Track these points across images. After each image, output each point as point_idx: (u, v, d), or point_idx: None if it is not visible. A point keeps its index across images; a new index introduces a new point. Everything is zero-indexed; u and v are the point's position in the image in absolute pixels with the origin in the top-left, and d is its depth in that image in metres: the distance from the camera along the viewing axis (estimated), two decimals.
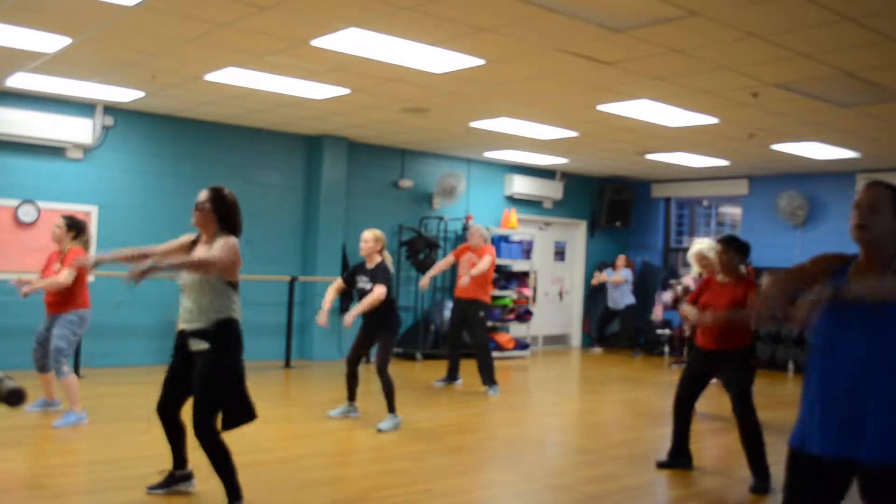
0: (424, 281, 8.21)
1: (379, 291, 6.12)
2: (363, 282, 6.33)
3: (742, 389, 5.19)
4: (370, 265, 6.34)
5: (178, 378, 4.15)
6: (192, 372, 4.04)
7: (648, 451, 6.01)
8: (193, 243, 4.24)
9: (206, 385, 3.97)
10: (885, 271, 2.51)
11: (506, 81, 6.84)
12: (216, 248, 4.01)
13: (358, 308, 6.15)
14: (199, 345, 4.03)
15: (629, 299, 12.59)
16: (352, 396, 6.65)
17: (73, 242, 6.01)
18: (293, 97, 7.84)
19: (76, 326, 5.95)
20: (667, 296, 10.60)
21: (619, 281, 12.51)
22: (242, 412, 4.05)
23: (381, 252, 6.37)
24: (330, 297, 6.42)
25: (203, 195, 4.14)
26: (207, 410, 3.96)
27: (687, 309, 5.37)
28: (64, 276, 5.85)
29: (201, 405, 3.97)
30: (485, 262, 8.17)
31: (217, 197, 4.13)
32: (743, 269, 5.35)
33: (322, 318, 6.27)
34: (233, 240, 4.07)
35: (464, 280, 8.20)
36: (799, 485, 2.57)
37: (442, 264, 8.62)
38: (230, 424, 4.02)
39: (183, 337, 4.13)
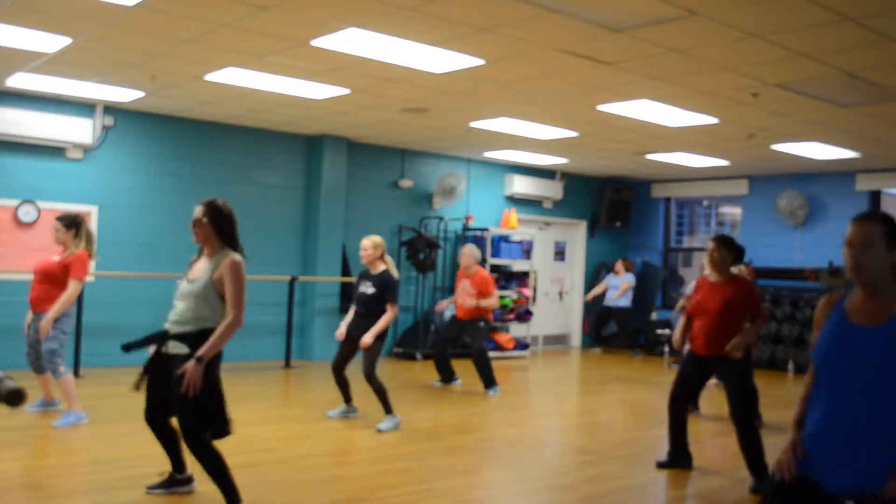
0: (441, 305, 8.89)
1: (392, 311, 6.28)
2: (365, 286, 6.41)
3: (739, 392, 5.17)
4: (374, 271, 6.41)
5: (159, 385, 4.06)
6: (169, 378, 3.93)
7: (648, 451, 6.01)
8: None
9: (187, 392, 3.84)
10: (891, 311, 2.46)
11: (506, 81, 6.84)
12: (229, 293, 3.91)
13: (375, 330, 6.20)
14: (178, 348, 3.94)
15: (627, 302, 12.57)
16: (347, 399, 6.68)
17: (76, 242, 5.95)
18: (293, 97, 7.84)
19: (63, 325, 5.91)
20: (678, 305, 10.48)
21: (625, 287, 12.44)
22: (223, 422, 3.92)
23: (382, 258, 6.43)
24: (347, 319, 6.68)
25: (199, 211, 4.04)
26: (192, 416, 3.87)
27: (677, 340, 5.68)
28: (72, 288, 5.87)
29: (184, 411, 3.88)
30: (493, 300, 8.35)
31: (212, 210, 4.04)
32: (744, 269, 5.35)
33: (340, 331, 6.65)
34: (238, 263, 3.96)
35: (468, 302, 8.32)
36: (787, 488, 2.57)
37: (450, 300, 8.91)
38: (213, 434, 3.91)
39: (164, 337, 4.04)
